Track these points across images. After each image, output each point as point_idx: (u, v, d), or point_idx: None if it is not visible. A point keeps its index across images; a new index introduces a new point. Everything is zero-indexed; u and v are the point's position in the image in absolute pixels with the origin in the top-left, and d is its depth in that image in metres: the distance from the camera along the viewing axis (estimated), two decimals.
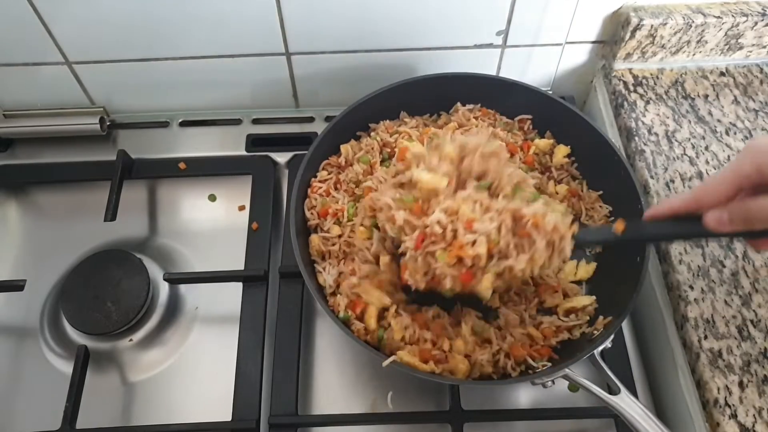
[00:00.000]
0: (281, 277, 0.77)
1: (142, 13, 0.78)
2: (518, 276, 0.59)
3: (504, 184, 0.61)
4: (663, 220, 0.58)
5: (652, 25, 0.81)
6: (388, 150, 0.78)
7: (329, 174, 0.78)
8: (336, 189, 0.76)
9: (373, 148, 0.78)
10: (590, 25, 0.85)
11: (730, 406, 0.62)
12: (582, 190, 0.78)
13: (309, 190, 0.76)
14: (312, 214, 0.75)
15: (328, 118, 0.93)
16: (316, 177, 0.77)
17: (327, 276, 0.70)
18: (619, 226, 0.60)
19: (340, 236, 0.72)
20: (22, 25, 0.78)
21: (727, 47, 0.86)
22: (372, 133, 0.81)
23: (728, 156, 0.79)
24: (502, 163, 0.62)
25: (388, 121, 0.81)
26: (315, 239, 0.72)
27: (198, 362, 0.76)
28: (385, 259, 0.66)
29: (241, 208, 0.86)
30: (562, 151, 0.79)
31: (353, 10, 0.79)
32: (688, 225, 0.56)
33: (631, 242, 0.65)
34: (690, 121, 0.83)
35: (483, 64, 0.88)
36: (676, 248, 0.72)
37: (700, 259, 0.71)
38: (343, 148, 0.79)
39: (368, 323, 0.66)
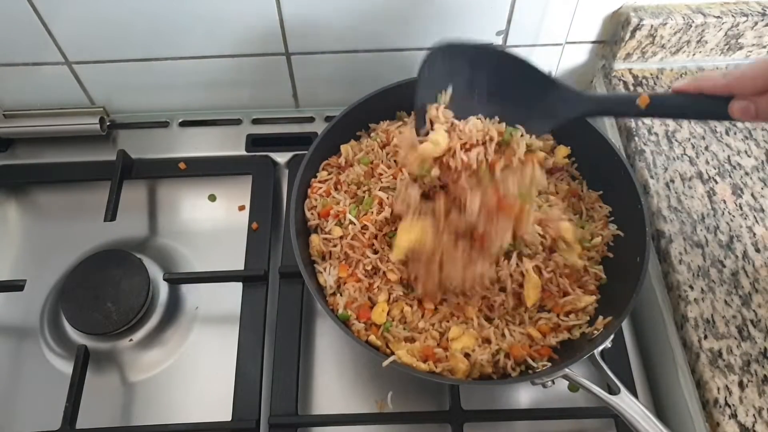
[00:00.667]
0: (281, 277, 0.77)
1: (142, 12, 0.78)
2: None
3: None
4: (688, 96, 0.56)
5: (652, 25, 0.81)
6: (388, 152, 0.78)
7: (329, 174, 0.78)
8: (336, 189, 0.76)
9: (373, 149, 0.78)
10: (590, 25, 0.85)
11: (730, 406, 0.62)
12: (582, 190, 0.78)
13: (309, 191, 0.76)
14: (312, 214, 0.75)
15: (328, 118, 0.93)
16: (316, 177, 0.77)
17: (327, 276, 0.70)
18: (643, 99, 0.58)
19: (341, 238, 0.72)
20: (21, 25, 0.78)
21: (727, 47, 0.86)
22: (372, 134, 0.81)
23: (728, 156, 0.79)
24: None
25: (388, 121, 0.81)
26: (315, 239, 0.73)
27: (198, 362, 0.76)
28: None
29: (241, 208, 0.86)
30: (562, 151, 0.79)
31: (353, 11, 0.79)
32: (713, 106, 0.55)
33: (649, 116, 0.64)
34: (690, 121, 0.82)
35: None
36: (676, 248, 0.72)
37: (700, 259, 0.71)
38: (343, 148, 0.79)
39: (377, 319, 0.67)
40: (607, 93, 0.63)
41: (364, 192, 0.74)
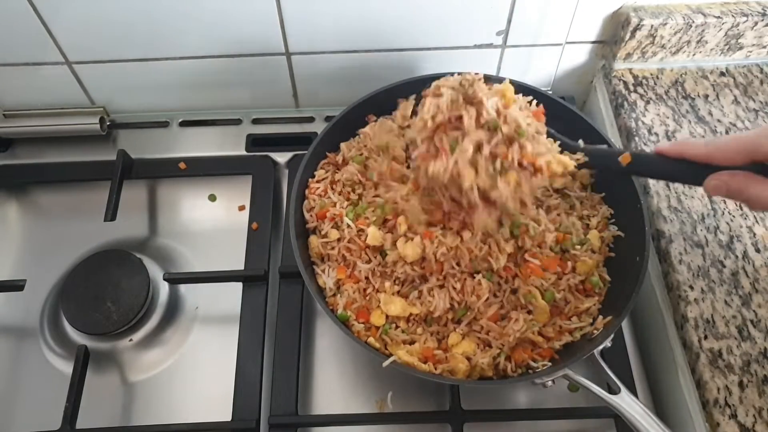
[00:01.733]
0: (281, 277, 0.77)
1: (142, 13, 0.78)
2: None
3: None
4: (669, 159, 0.58)
5: (652, 25, 0.81)
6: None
7: (326, 173, 0.77)
8: (332, 189, 0.75)
9: (366, 145, 0.77)
10: (590, 25, 0.85)
11: (730, 406, 0.62)
12: (587, 193, 0.78)
13: (307, 191, 0.76)
14: (311, 216, 0.74)
15: (328, 118, 0.93)
16: (313, 177, 0.77)
17: (327, 279, 0.70)
18: (625, 158, 0.61)
19: (339, 240, 0.71)
20: (22, 25, 0.78)
21: (727, 47, 0.86)
22: (367, 127, 0.79)
23: None
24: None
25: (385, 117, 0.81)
26: (314, 241, 0.72)
27: (198, 362, 0.76)
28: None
29: (241, 208, 0.86)
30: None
31: (353, 11, 0.79)
32: (691, 174, 0.57)
33: (629, 174, 0.66)
34: (690, 121, 0.83)
35: (483, 64, 0.88)
36: (676, 248, 0.72)
37: (700, 259, 0.71)
38: (343, 146, 0.78)
39: (375, 321, 0.66)
40: (594, 146, 0.67)
41: (357, 194, 0.74)
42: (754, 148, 0.53)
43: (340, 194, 0.75)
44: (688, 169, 0.57)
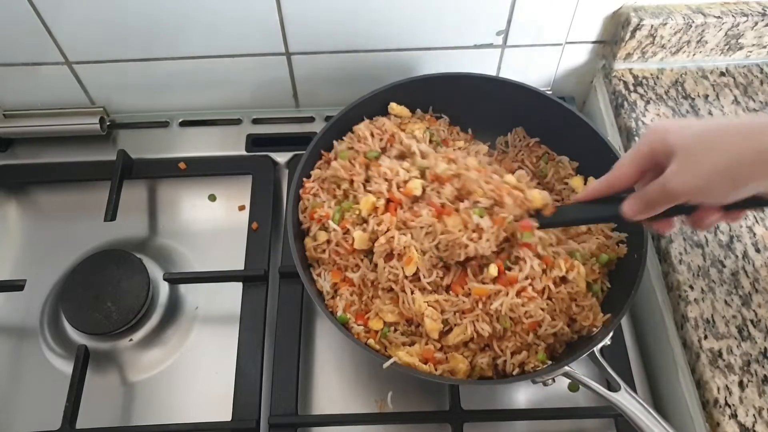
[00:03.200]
0: (281, 277, 0.77)
1: (142, 13, 0.78)
2: None
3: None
4: (587, 204, 0.61)
5: (652, 25, 0.81)
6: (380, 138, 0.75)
7: (322, 172, 0.76)
8: (321, 188, 0.73)
9: (359, 138, 0.75)
10: (590, 25, 0.85)
11: (730, 406, 0.62)
12: None
13: (301, 191, 0.74)
14: (304, 217, 0.73)
15: (328, 118, 0.92)
16: (309, 177, 0.76)
17: (324, 282, 0.69)
18: (549, 209, 0.65)
19: (328, 242, 0.69)
20: (22, 25, 0.78)
21: (727, 47, 0.86)
22: (362, 124, 0.77)
23: None
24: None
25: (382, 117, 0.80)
26: (309, 242, 0.71)
27: (198, 362, 0.76)
28: None
29: (241, 208, 0.86)
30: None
31: (353, 11, 0.79)
32: (607, 208, 0.59)
33: (556, 225, 0.68)
34: None
35: (483, 64, 0.88)
36: (676, 248, 0.72)
37: (700, 259, 0.71)
38: (336, 144, 0.77)
39: (374, 325, 0.66)
40: None
41: (342, 191, 0.72)
42: (637, 156, 0.54)
43: (327, 192, 0.73)
44: (604, 206, 0.59)
